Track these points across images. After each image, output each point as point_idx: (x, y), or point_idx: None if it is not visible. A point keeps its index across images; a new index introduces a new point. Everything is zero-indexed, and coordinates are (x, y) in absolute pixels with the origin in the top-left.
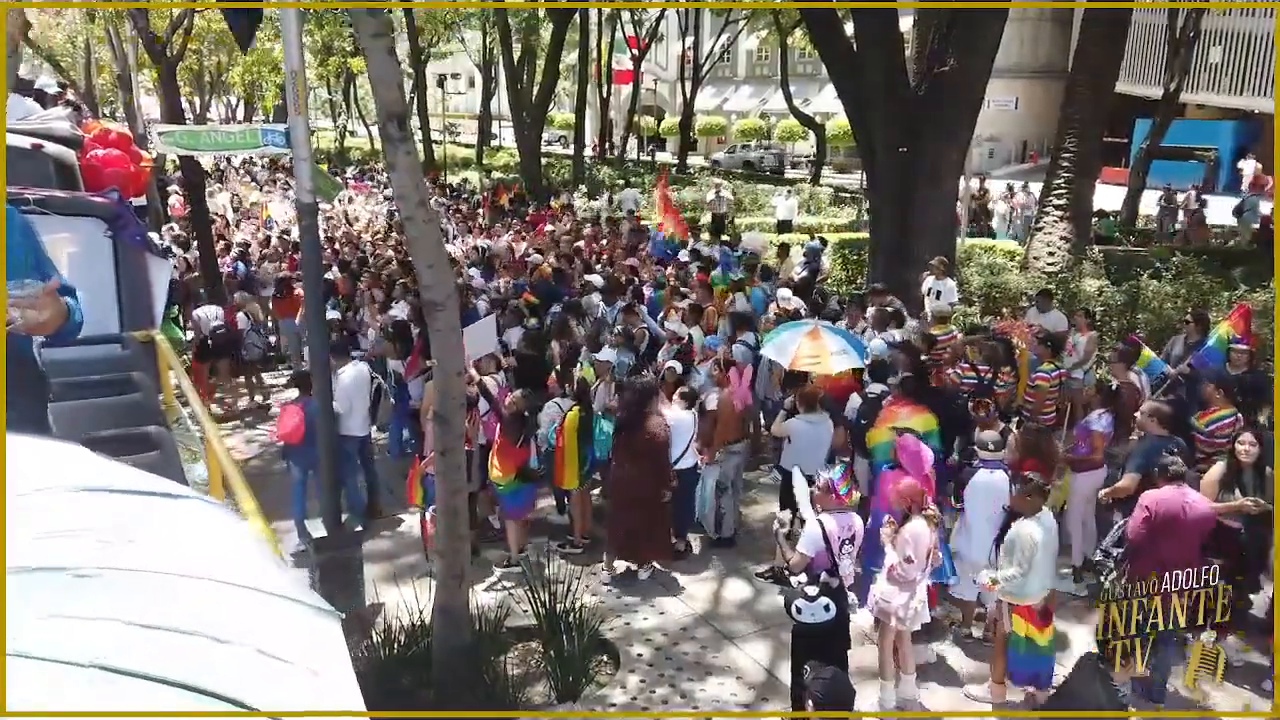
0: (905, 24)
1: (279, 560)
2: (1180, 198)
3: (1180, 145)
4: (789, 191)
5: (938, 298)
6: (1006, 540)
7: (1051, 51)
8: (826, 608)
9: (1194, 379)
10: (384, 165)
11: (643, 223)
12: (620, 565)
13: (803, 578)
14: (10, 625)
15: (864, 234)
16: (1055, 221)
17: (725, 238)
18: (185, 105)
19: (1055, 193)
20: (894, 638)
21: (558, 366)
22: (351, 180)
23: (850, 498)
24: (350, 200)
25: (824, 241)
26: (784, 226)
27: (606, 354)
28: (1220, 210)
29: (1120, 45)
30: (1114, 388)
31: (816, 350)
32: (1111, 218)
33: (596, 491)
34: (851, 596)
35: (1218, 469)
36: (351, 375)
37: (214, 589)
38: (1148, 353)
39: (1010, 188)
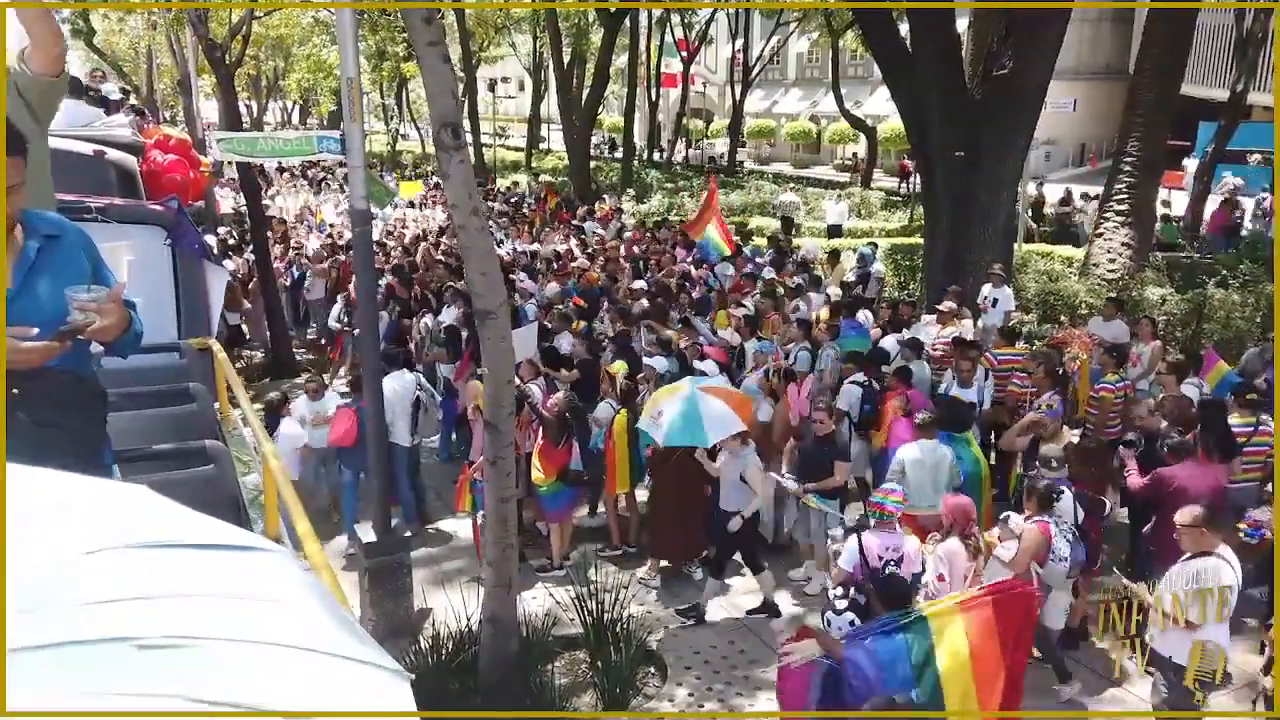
0: (961, 24)
1: (347, 615)
2: (1249, 203)
3: (1245, 149)
4: (839, 195)
5: (995, 305)
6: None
7: (1111, 53)
8: (851, 623)
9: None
10: (435, 171)
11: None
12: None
13: (838, 590)
14: (71, 705)
15: (916, 239)
16: (1116, 227)
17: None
18: (243, 109)
19: (1116, 197)
20: None
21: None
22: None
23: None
24: (422, 206)
25: (875, 245)
26: (834, 231)
27: (657, 361)
28: None
29: (1185, 46)
30: (1061, 371)
31: (737, 402)
32: (1175, 223)
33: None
34: None
35: None
36: (392, 386)
37: (283, 656)
38: (1223, 365)
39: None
